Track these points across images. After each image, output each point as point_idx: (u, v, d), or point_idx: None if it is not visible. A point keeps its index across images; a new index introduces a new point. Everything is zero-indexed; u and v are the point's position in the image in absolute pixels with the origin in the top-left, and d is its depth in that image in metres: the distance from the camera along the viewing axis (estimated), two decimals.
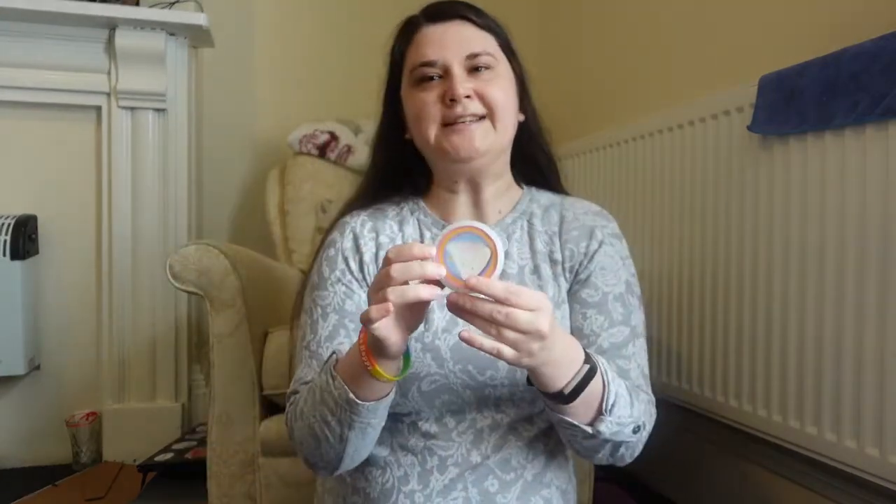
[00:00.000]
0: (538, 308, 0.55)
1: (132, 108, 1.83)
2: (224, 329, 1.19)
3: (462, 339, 0.55)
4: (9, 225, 1.70)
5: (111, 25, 1.76)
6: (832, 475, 1.06)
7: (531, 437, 0.77)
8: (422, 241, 0.81)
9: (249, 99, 2.15)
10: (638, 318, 0.79)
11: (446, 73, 0.76)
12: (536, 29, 2.28)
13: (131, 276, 1.82)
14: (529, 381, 0.67)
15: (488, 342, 0.55)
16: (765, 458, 1.23)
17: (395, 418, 0.76)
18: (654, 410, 0.75)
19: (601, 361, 0.66)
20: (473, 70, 0.77)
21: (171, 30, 1.81)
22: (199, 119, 2.03)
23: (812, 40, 1.11)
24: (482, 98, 0.76)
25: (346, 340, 0.76)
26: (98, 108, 1.84)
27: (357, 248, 0.80)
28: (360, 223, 0.83)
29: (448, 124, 0.76)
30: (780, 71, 1.09)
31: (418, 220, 0.83)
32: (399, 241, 0.82)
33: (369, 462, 0.75)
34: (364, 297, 0.78)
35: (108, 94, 1.82)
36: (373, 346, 0.59)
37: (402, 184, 0.87)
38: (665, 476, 1.53)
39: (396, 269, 0.55)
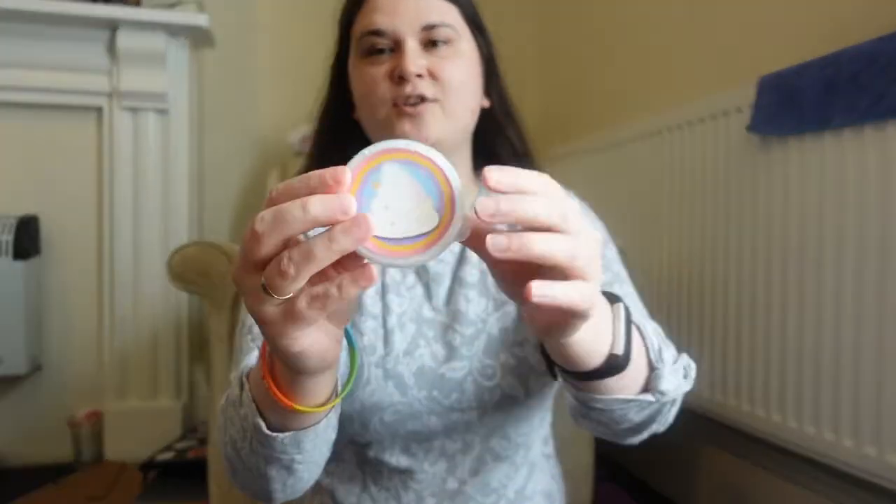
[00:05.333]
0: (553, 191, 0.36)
1: (133, 109, 1.83)
2: (224, 329, 1.20)
3: (534, 299, 0.34)
4: (11, 225, 1.71)
5: (112, 26, 1.77)
6: (831, 474, 1.06)
7: (510, 453, 0.70)
8: None
9: (250, 99, 2.16)
10: (622, 272, 0.70)
11: (397, 46, 0.66)
12: (534, 29, 2.28)
13: (132, 276, 1.83)
14: (553, 372, 0.50)
15: (563, 287, 0.35)
16: (764, 458, 1.23)
17: (359, 452, 0.69)
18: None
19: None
20: (430, 44, 0.66)
21: (172, 31, 1.82)
22: (200, 119, 2.04)
23: (811, 41, 1.11)
24: (436, 77, 0.65)
25: None
26: (99, 109, 1.84)
27: None
28: None
29: (398, 105, 0.65)
30: (780, 72, 1.10)
31: None
32: None
33: (341, 501, 0.69)
34: None
35: (110, 95, 1.82)
36: (284, 364, 0.40)
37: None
38: (665, 476, 1.53)
39: (285, 223, 0.33)
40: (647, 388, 0.52)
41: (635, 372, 0.49)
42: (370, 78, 0.66)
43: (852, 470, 0.98)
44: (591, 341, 0.43)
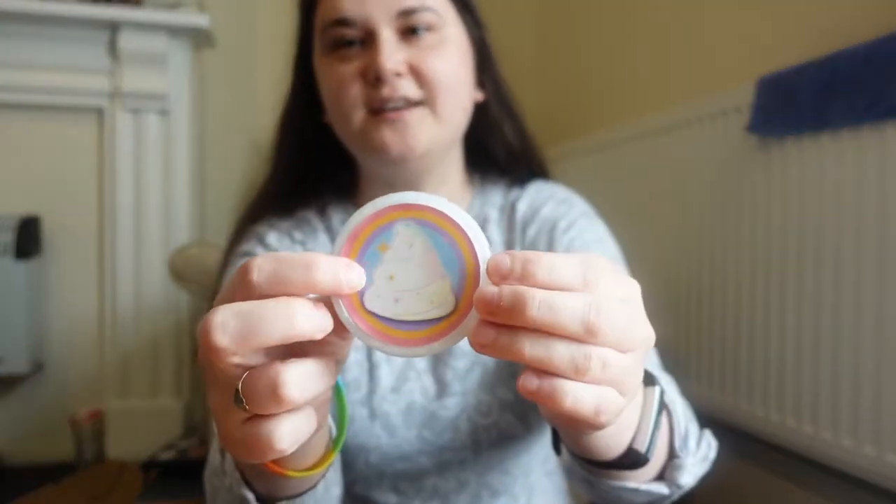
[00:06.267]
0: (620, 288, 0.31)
1: (134, 110, 1.84)
2: None
3: (527, 395, 0.27)
4: (13, 225, 1.71)
5: (113, 27, 1.77)
6: (830, 474, 1.06)
7: (508, 486, 0.63)
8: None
9: (251, 100, 2.16)
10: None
11: (369, 38, 0.55)
12: (532, 29, 2.29)
13: (134, 275, 1.84)
14: (557, 447, 0.44)
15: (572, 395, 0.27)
16: (763, 458, 1.23)
17: (345, 487, 0.61)
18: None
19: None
20: (408, 32, 0.56)
21: (174, 31, 1.82)
22: (202, 120, 2.04)
23: (811, 41, 1.11)
24: (419, 74, 0.55)
25: None
26: (100, 110, 1.85)
27: None
28: (286, 232, 0.64)
29: (376, 110, 0.56)
30: (779, 72, 1.10)
31: None
32: None
33: None
34: None
35: (111, 96, 1.83)
36: None
37: (319, 186, 0.66)
38: None
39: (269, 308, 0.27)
40: (662, 476, 0.44)
41: (654, 461, 0.41)
42: (339, 78, 0.56)
43: (851, 470, 0.98)
44: (610, 435, 0.35)
